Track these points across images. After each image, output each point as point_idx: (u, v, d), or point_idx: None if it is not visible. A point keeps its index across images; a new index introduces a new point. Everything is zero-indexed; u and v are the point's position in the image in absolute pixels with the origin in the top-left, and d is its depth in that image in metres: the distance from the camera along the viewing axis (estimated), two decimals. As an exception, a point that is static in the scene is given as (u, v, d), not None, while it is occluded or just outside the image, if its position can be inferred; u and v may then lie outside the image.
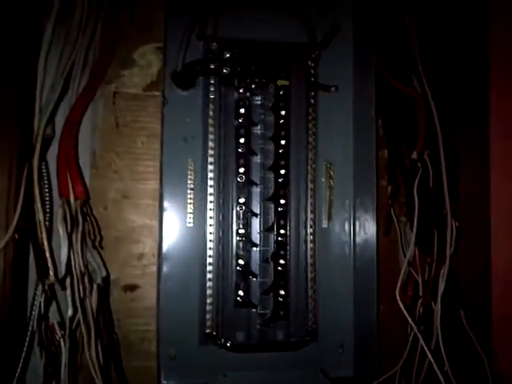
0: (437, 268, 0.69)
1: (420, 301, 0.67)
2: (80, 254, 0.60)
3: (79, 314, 0.60)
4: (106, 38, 0.70)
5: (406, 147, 0.74)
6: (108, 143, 0.71)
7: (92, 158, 0.70)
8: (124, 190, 0.71)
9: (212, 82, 0.73)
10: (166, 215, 0.72)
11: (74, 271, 0.60)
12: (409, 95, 0.73)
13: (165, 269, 0.71)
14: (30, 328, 0.58)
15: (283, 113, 0.74)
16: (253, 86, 0.73)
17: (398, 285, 0.63)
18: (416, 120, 0.73)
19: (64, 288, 0.59)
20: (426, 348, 0.61)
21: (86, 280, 0.61)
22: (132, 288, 0.71)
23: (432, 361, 0.60)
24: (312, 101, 0.75)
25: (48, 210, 0.62)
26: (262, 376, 0.71)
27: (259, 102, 0.75)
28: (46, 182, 0.63)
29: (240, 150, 0.73)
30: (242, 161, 0.73)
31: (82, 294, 0.61)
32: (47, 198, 0.63)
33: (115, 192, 0.71)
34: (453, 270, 0.68)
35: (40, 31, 0.67)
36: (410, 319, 0.63)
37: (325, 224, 0.76)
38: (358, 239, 0.75)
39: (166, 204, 0.72)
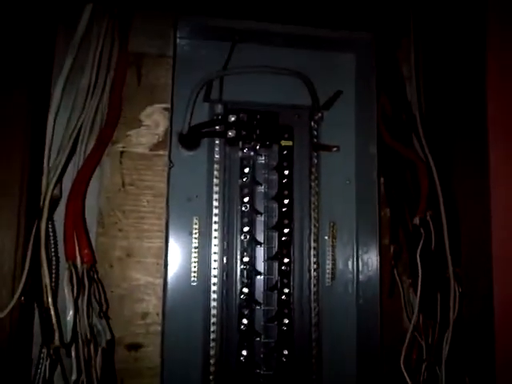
0: (440, 331, 0.69)
1: (424, 365, 0.67)
2: (85, 317, 0.60)
3: (83, 377, 0.61)
4: (113, 101, 0.72)
5: (408, 207, 0.75)
6: (114, 202, 0.72)
7: (99, 216, 0.71)
8: (129, 249, 0.72)
9: (217, 142, 0.75)
10: (170, 273, 0.72)
11: (79, 335, 0.61)
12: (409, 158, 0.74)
13: (168, 328, 0.71)
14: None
15: (286, 172, 0.76)
16: (257, 146, 0.75)
17: (403, 353, 0.63)
18: (417, 180, 0.75)
19: (69, 354, 0.59)
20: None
21: (91, 343, 0.62)
22: (136, 347, 0.71)
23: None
24: (315, 161, 0.77)
25: (54, 272, 0.63)
26: None
27: (263, 162, 0.76)
28: (52, 243, 0.64)
29: (244, 209, 0.74)
30: (246, 219, 0.74)
31: (86, 357, 0.61)
32: (54, 260, 0.63)
33: (120, 250, 0.72)
34: (457, 334, 0.68)
35: (48, 93, 0.69)
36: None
37: (328, 283, 0.76)
38: (361, 301, 0.76)
39: (170, 262, 0.72)
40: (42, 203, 0.63)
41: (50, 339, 0.60)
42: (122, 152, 0.73)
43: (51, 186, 0.64)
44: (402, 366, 0.63)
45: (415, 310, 0.65)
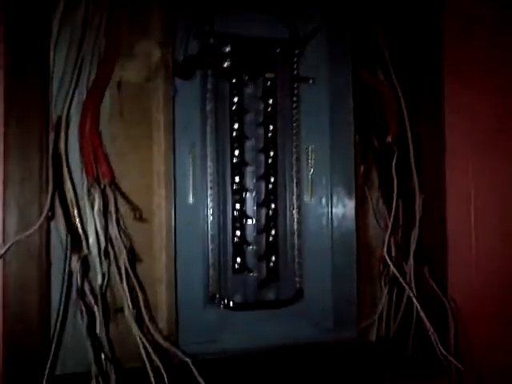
0: (403, 233, 0.83)
1: (394, 258, 0.81)
2: (113, 228, 0.68)
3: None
4: (109, 38, 0.76)
5: (375, 132, 0.87)
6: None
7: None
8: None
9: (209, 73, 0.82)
10: (175, 194, 0.79)
11: (102, 244, 0.68)
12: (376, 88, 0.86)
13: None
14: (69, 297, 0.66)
15: (270, 101, 0.85)
16: (245, 77, 0.83)
17: (385, 247, 0.77)
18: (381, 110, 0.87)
19: (103, 257, 0.66)
20: (412, 294, 0.75)
21: (114, 251, 0.69)
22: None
23: (417, 305, 0.74)
24: (296, 91, 0.86)
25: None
26: (264, 328, 0.82)
27: (250, 92, 0.84)
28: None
29: (234, 135, 0.83)
30: (236, 144, 0.83)
31: (109, 265, 0.69)
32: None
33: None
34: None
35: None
36: (396, 272, 0.76)
37: (307, 198, 0.87)
38: (335, 210, 0.87)
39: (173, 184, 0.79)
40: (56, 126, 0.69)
41: (79, 248, 0.67)
42: (119, 82, 0.79)
43: (66, 107, 0.69)
44: (386, 256, 0.75)
45: (390, 215, 0.78)
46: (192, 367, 0.66)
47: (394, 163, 0.79)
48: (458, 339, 0.83)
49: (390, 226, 0.80)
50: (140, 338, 0.67)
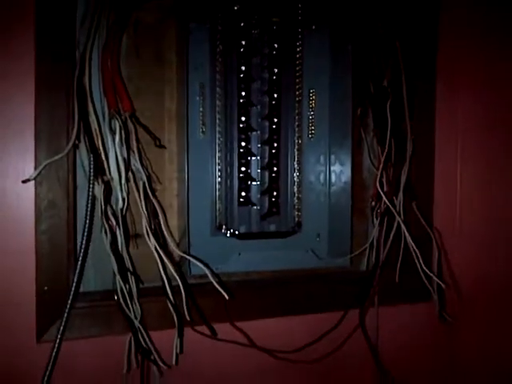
0: (395, 172, 0.90)
1: (385, 193, 0.88)
2: (134, 156, 0.75)
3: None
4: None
5: (371, 78, 0.93)
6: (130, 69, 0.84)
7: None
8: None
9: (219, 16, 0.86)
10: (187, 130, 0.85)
11: (123, 171, 0.75)
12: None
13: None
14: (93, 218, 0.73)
15: (276, 45, 0.90)
16: (253, 21, 0.88)
17: (377, 181, 0.85)
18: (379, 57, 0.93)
19: (123, 180, 0.73)
20: (400, 220, 0.83)
21: (134, 178, 0.76)
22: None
23: (405, 231, 0.82)
24: (299, 36, 0.91)
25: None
26: (266, 254, 0.91)
27: (257, 36, 0.90)
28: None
29: (242, 76, 0.89)
30: (243, 85, 0.89)
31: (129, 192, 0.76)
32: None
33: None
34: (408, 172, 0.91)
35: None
36: (387, 201, 0.84)
37: (307, 138, 0.94)
38: (333, 150, 0.94)
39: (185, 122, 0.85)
40: (81, 62, 0.74)
41: (102, 174, 0.74)
42: (135, 22, 0.83)
43: (89, 44, 0.74)
44: (378, 185, 0.83)
45: (383, 153, 0.85)
46: (209, 275, 0.73)
47: (388, 105, 0.85)
48: (440, 265, 0.92)
49: (382, 161, 0.87)
50: (159, 255, 0.75)
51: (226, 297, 0.71)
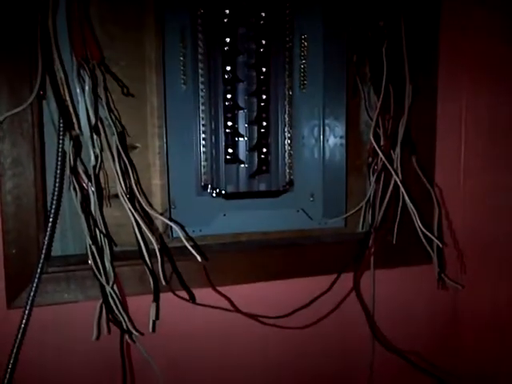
0: (393, 123, 0.83)
1: (382, 148, 0.82)
2: (104, 110, 0.68)
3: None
4: None
5: (368, 22, 0.85)
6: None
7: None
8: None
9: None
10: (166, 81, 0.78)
11: (93, 125, 0.69)
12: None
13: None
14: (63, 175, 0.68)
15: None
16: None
17: (371, 133, 0.78)
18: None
19: (94, 134, 0.67)
20: (397, 177, 0.77)
21: (105, 133, 0.70)
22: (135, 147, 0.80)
23: (402, 188, 0.76)
24: (289, -23, 0.83)
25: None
26: (255, 214, 0.85)
27: None
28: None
29: (226, 20, 0.80)
30: (227, 30, 0.81)
31: (102, 149, 0.70)
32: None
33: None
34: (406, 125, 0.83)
35: None
36: (382, 155, 0.78)
37: (299, 89, 0.87)
38: (327, 102, 0.87)
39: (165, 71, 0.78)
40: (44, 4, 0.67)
41: (70, 128, 0.68)
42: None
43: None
44: (373, 139, 0.77)
45: (378, 104, 0.78)
46: (183, 239, 0.68)
47: (384, 47, 0.78)
48: (441, 225, 0.87)
49: (376, 112, 0.80)
50: (134, 217, 0.69)
51: (199, 259, 0.66)
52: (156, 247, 0.70)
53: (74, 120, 0.68)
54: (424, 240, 0.81)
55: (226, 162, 0.84)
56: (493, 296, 0.98)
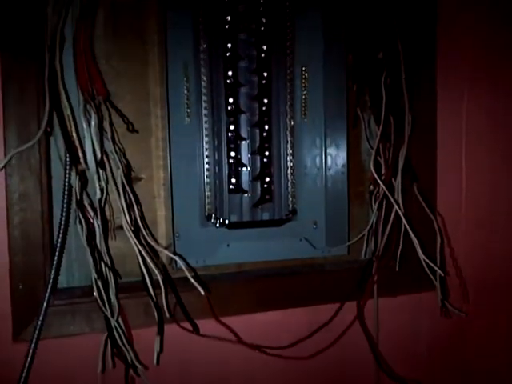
0: (394, 151, 0.84)
1: (383, 177, 0.83)
2: (109, 144, 0.70)
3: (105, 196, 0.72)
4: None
5: (367, 53, 0.87)
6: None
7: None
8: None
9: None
10: (170, 114, 0.80)
11: (99, 159, 0.70)
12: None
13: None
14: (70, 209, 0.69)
15: (264, 21, 0.84)
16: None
17: (372, 162, 0.79)
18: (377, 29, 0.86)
19: (99, 168, 0.68)
20: (397, 207, 0.78)
21: (111, 166, 0.72)
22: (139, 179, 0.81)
23: (402, 217, 0.77)
24: (289, 10, 0.85)
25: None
26: (258, 244, 0.86)
27: (243, 11, 0.83)
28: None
29: (228, 55, 0.83)
30: (229, 64, 0.83)
31: (107, 182, 0.72)
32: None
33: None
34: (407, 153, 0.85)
35: None
36: (383, 185, 0.79)
37: (300, 119, 0.88)
38: (328, 131, 0.89)
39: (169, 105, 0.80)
40: (51, 43, 0.69)
41: (76, 163, 0.69)
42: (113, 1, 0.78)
43: (60, 26, 0.69)
44: (373, 168, 0.78)
45: (379, 131, 0.80)
46: (187, 273, 0.68)
47: (383, 77, 0.79)
48: (443, 253, 0.87)
49: (377, 141, 0.81)
50: (138, 250, 0.70)
51: (202, 293, 0.66)
52: (160, 279, 0.71)
53: (80, 155, 0.69)
54: (426, 268, 0.82)
55: (230, 191, 0.85)
56: (496, 323, 0.98)
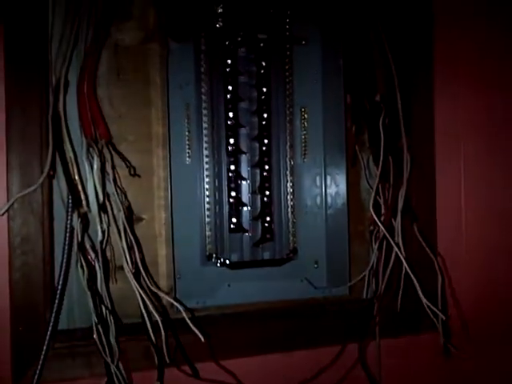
0: (393, 192, 0.85)
1: (382, 218, 0.83)
2: (111, 187, 0.70)
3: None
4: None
5: (365, 93, 0.88)
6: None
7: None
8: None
9: (202, 35, 0.83)
10: (171, 155, 0.81)
11: (101, 202, 0.71)
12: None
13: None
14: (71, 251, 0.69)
15: (264, 63, 0.86)
16: (238, 38, 0.84)
17: (371, 203, 0.79)
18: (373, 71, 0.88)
19: (102, 214, 0.69)
20: (398, 251, 0.78)
21: (112, 209, 0.72)
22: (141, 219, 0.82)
23: (404, 261, 0.77)
24: (288, 53, 0.87)
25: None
26: (259, 284, 0.85)
27: (244, 55, 0.85)
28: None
29: (228, 96, 0.84)
30: (230, 105, 0.84)
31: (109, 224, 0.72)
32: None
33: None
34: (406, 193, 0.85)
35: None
36: (383, 227, 0.79)
37: (300, 159, 0.89)
38: (328, 171, 0.89)
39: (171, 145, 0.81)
40: (56, 88, 0.70)
41: (79, 206, 0.70)
42: (116, 45, 0.80)
43: (64, 70, 0.70)
44: (372, 210, 0.78)
45: (378, 171, 0.80)
46: (187, 319, 0.68)
47: (381, 120, 0.81)
48: (444, 294, 0.87)
49: (376, 182, 0.82)
50: (139, 293, 0.70)
51: (202, 339, 0.66)
52: (160, 323, 0.70)
53: (83, 197, 0.70)
54: (427, 309, 0.81)
55: (231, 231, 0.85)
56: (500, 365, 0.96)
